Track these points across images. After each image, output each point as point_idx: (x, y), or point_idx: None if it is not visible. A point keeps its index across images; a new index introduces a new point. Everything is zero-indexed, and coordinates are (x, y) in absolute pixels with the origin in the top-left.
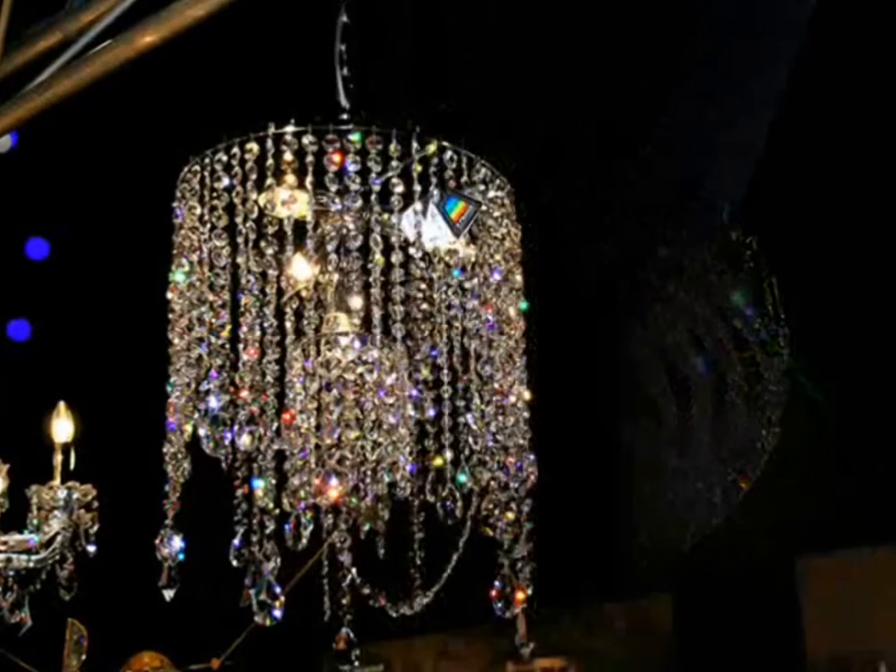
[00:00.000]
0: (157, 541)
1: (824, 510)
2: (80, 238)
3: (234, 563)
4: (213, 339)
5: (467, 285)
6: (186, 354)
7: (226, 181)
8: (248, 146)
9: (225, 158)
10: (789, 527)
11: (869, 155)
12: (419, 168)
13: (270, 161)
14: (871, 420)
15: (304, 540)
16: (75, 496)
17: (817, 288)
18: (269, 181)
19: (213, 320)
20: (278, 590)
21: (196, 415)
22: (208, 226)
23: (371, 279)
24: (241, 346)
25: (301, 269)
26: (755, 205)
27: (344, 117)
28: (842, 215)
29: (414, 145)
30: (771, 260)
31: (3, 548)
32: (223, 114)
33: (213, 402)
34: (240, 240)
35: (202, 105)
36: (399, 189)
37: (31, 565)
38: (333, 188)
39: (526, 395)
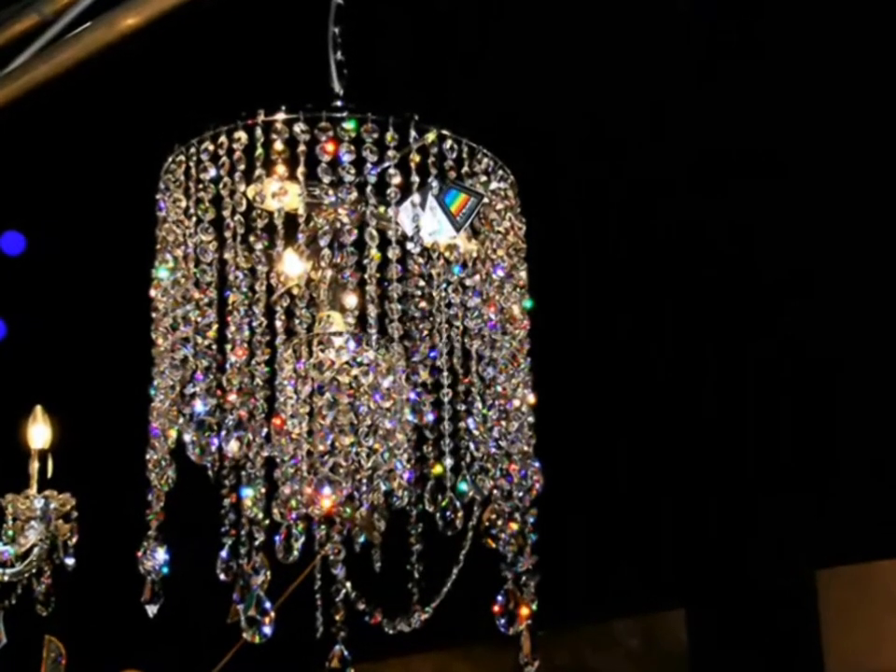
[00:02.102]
0: (139, 554)
1: (847, 519)
2: (59, 232)
3: (221, 576)
4: (199, 339)
5: (468, 282)
6: (170, 355)
7: (212, 172)
8: (236, 134)
9: (211, 147)
10: (809, 537)
11: None
12: (417, 158)
13: (259, 151)
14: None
15: (296, 553)
16: (52, 505)
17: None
18: (258, 172)
19: (198, 319)
20: (268, 605)
21: (181, 420)
22: (194, 219)
23: (366, 276)
24: (228, 347)
25: (293, 265)
26: None
27: (338, 103)
28: None
29: (412, 133)
30: None
31: None
32: (209, 100)
33: (199, 406)
34: (227, 234)
35: (187, 92)
36: (397, 180)
37: (5, 578)
38: (326, 179)
39: (531, 398)
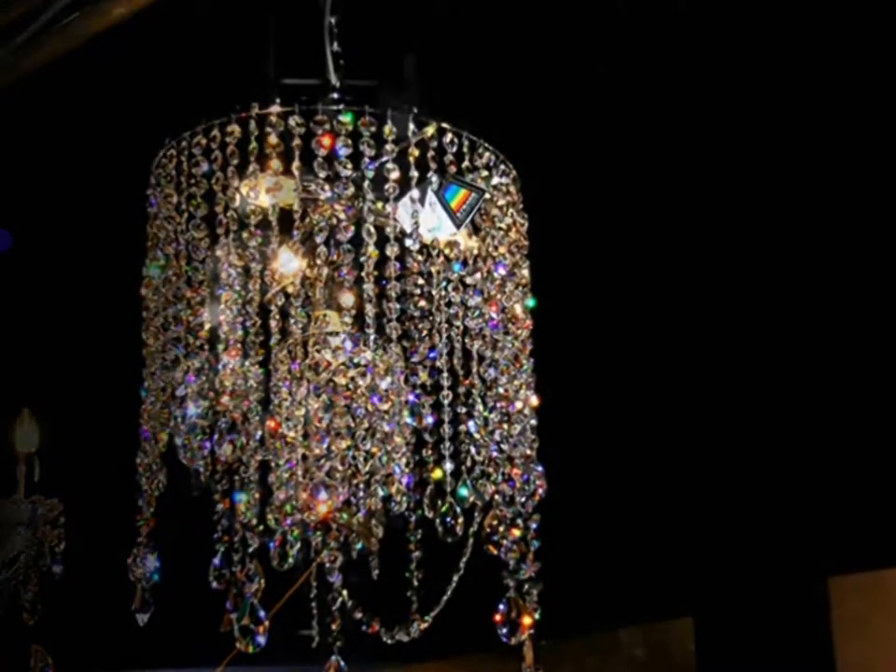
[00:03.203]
0: (129, 561)
1: (859, 525)
2: (46, 229)
3: (214, 584)
4: (190, 339)
5: (468, 280)
6: (161, 355)
7: (205, 167)
8: (229, 127)
9: (204, 141)
10: (820, 544)
11: None
12: (416, 152)
13: (253, 145)
14: None
15: (291, 560)
16: (39, 511)
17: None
18: (252, 167)
19: (190, 318)
20: (262, 614)
21: (172, 423)
22: (185, 216)
23: (363, 274)
24: (221, 347)
25: (288, 262)
26: None
27: (335, 96)
28: None
29: (411, 127)
30: None
31: None
32: (202, 93)
33: (190, 409)
34: (220, 231)
35: (178, 84)
36: (395, 175)
37: None
38: (322, 173)
39: (534, 400)
